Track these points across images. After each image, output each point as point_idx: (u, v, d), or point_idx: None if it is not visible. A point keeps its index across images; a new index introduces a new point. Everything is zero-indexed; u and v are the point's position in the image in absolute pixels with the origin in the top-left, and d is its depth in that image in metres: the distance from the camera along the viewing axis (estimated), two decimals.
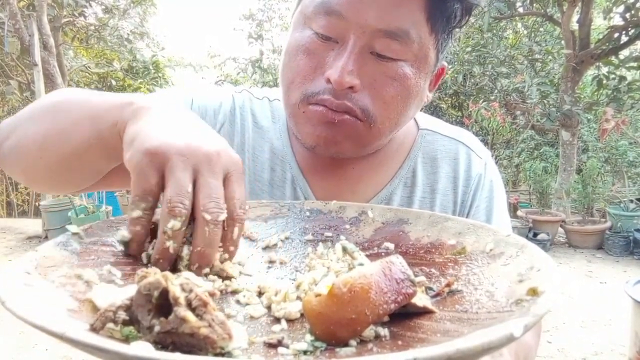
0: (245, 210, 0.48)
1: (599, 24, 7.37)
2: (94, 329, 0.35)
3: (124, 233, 0.47)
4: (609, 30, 5.52)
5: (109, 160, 0.59)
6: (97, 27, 9.26)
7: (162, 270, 0.39)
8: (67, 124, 0.58)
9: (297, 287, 0.48)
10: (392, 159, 0.81)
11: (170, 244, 0.44)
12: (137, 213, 0.44)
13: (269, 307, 0.46)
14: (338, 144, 0.69)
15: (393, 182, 0.80)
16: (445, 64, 0.77)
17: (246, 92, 0.85)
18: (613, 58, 5.47)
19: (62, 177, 0.63)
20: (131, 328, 0.36)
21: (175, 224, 0.43)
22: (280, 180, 0.79)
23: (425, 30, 0.65)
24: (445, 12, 0.66)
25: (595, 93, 6.04)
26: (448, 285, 0.46)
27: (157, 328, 0.34)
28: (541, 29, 7.03)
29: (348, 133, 0.67)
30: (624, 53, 5.61)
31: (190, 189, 0.44)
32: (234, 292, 0.49)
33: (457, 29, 0.70)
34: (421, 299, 0.42)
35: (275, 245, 0.61)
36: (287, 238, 0.63)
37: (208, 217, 0.44)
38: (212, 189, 0.45)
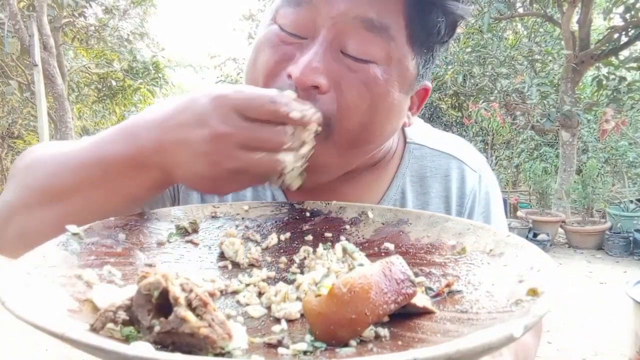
0: (270, 101, 0.51)
1: (599, 24, 7.38)
2: (94, 329, 0.35)
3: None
4: (608, 30, 5.53)
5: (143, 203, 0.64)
6: (97, 27, 9.27)
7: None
8: (85, 204, 0.56)
9: (297, 287, 0.48)
10: (379, 180, 0.76)
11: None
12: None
13: (269, 308, 0.46)
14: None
15: (381, 204, 0.74)
16: (429, 84, 0.70)
17: None
18: (613, 59, 5.48)
19: None
20: (131, 328, 0.36)
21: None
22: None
23: (402, 35, 0.59)
24: (426, 24, 0.59)
25: (595, 94, 6.05)
26: (448, 285, 0.46)
27: (157, 328, 0.34)
28: (541, 30, 7.04)
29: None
30: (623, 54, 5.61)
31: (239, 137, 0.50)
32: (234, 292, 0.50)
33: (439, 46, 0.64)
34: (421, 299, 0.42)
35: (275, 245, 0.61)
36: (287, 238, 0.63)
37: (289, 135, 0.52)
38: (262, 139, 0.50)
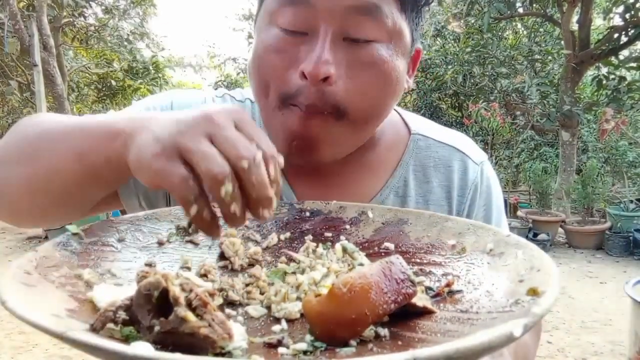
0: (269, 142, 0.45)
1: (599, 24, 7.38)
2: (94, 329, 0.35)
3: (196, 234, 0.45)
4: (608, 30, 5.53)
5: (106, 190, 0.59)
6: (97, 27, 9.27)
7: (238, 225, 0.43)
8: (53, 164, 0.55)
9: (297, 287, 0.48)
10: (382, 166, 0.77)
11: (234, 207, 0.42)
12: (194, 209, 0.41)
13: (269, 308, 0.46)
14: (312, 150, 0.65)
15: (383, 192, 0.76)
16: (420, 46, 0.74)
17: (227, 95, 0.81)
18: (613, 58, 5.48)
19: (55, 214, 0.62)
20: (131, 328, 0.36)
21: (227, 187, 0.40)
22: None
23: (395, 8, 0.62)
24: None
25: (595, 93, 6.05)
26: (448, 285, 0.46)
27: (157, 328, 0.34)
28: (541, 30, 7.03)
29: (319, 133, 0.64)
30: (623, 53, 5.62)
31: (214, 150, 0.41)
32: (234, 292, 0.49)
33: (425, 8, 0.68)
34: (421, 299, 0.42)
35: (275, 245, 0.61)
36: (287, 238, 0.63)
37: (245, 163, 0.41)
38: (233, 139, 0.42)
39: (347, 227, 0.64)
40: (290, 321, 0.43)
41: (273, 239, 0.62)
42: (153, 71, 9.74)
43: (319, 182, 0.74)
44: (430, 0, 0.67)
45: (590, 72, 6.13)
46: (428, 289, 0.47)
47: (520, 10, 6.15)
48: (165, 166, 0.42)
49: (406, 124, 0.82)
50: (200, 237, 0.60)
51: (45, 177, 0.56)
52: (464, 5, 6.12)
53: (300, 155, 0.66)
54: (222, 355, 0.34)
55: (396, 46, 0.64)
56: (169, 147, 0.42)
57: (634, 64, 5.38)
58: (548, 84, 5.94)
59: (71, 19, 8.74)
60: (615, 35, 5.36)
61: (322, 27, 0.60)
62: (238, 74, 9.93)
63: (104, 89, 9.90)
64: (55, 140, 0.56)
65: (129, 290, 0.39)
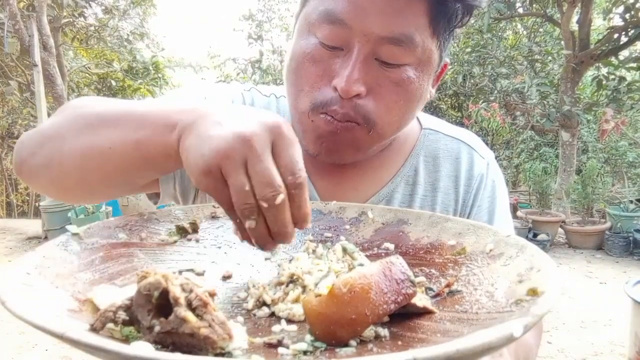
0: (298, 170, 0.47)
1: (599, 24, 7.38)
2: (94, 329, 0.35)
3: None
4: (608, 30, 5.53)
5: (160, 175, 0.61)
6: (97, 27, 9.28)
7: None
8: (108, 144, 0.56)
9: (303, 288, 0.48)
10: (394, 158, 0.83)
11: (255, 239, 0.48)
12: (249, 223, 0.46)
13: (270, 307, 0.46)
14: (339, 152, 0.71)
15: (395, 180, 0.81)
16: (447, 60, 0.78)
17: (254, 89, 0.87)
18: (613, 59, 5.48)
19: (102, 191, 0.65)
20: (131, 328, 0.36)
21: (250, 223, 0.45)
22: None
23: (427, 34, 0.66)
24: (446, 13, 0.66)
25: (595, 94, 6.05)
26: (448, 285, 0.47)
27: (157, 328, 0.34)
28: (541, 30, 7.04)
29: (349, 141, 0.69)
30: (623, 54, 5.61)
31: (247, 186, 0.45)
32: (235, 292, 0.49)
33: (458, 28, 0.70)
34: (421, 300, 0.42)
35: None
36: None
37: (265, 204, 0.45)
38: (261, 174, 0.45)
39: (347, 227, 0.64)
40: (290, 321, 0.43)
41: None
42: (153, 71, 9.75)
43: (335, 172, 0.79)
44: (464, 22, 0.69)
45: (590, 73, 6.13)
46: (428, 289, 0.47)
47: (520, 10, 6.15)
48: (213, 186, 0.46)
49: (419, 121, 0.88)
50: (200, 237, 0.60)
51: (101, 157, 0.57)
52: None
53: (327, 155, 0.72)
54: (222, 355, 0.34)
55: (424, 68, 0.68)
56: (213, 168, 0.45)
57: (634, 64, 5.38)
58: (548, 84, 5.93)
59: (71, 19, 8.73)
60: (615, 36, 5.36)
61: (356, 46, 0.64)
62: (238, 74, 9.91)
63: (104, 89, 9.90)
64: (115, 123, 0.57)
65: (129, 290, 0.39)
